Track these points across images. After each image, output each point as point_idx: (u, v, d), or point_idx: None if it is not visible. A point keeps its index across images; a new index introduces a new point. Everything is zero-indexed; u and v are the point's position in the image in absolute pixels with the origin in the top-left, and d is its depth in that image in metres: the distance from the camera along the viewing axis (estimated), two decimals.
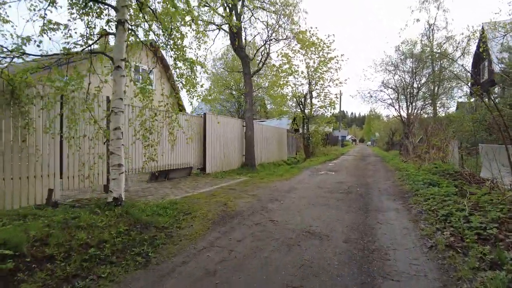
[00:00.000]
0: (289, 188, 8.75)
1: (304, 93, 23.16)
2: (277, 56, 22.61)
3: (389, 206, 6.52)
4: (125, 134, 8.07)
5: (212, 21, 16.01)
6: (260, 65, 16.74)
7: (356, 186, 9.13)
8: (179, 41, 5.20)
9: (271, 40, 16.34)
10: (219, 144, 12.87)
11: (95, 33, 4.95)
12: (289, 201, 6.84)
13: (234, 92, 28.48)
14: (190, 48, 6.49)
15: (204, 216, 5.44)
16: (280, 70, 22.38)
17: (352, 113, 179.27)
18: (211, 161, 12.26)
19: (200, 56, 5.85)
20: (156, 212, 5.39)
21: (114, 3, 5.14)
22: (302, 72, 22.62)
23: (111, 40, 5.66)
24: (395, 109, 29.14)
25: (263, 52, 17.29)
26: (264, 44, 16.47)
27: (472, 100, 20.15)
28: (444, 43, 25.32)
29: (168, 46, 5.24)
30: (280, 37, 16.73)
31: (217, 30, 16.37)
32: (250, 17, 15.95)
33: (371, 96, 29.01)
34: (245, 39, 17.53)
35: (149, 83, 5.55)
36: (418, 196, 7.16)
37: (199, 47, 6.30)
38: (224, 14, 14.88)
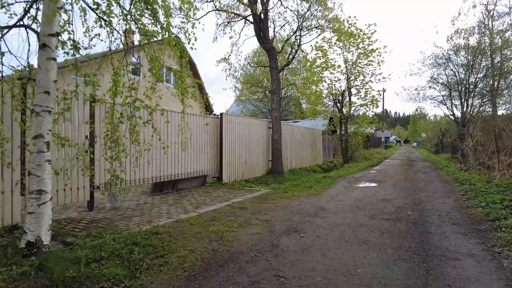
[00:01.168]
0: (316, 208, 6.78)
1: (342, 90, 20.79)
2: (311, 50, 20.36)
3: (459, 247, 4.36)
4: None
5: (236, 12, 14.41)
6: (290, 58, 14.79)
7: (406, 207, 6.93)
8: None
9: (302, 29, 14.35)
10: (239, 149, 11.16)
11: None
12: (313, 234, 4.92)
13: (267, 92, 26.71)
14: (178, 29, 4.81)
15: (181, 262, 3.71)
16: (314, 65, 20.24)
17: (395, 113, 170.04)
18: (228, 169, 10.58)
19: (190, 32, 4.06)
20: (116, 253, 3.78)
21: None
22: (339, 66, 20.28)
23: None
24: (447, 107, 25.70)
25: (293, 44, 15.34)
26: (294, 33, 14.51)
27: None
28: (507, 30, 21.54)
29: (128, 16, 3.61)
30: (313, 25, 14.68)
31: (243, 22, 14.75)
32: (276, 3, 14.14)
33: (418, 93, 25.81)
34: (273, 30, 15.74)
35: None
36: (503, 229, 4.92)
37: (186, 19, 4.60)
38: (246, 1, 13.22)
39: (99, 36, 3.94)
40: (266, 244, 4.40)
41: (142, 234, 4.56)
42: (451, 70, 23.31)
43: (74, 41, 3.58)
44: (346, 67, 20.42)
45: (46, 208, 2.97)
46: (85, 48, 3.67)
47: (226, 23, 14.64)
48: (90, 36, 3.87)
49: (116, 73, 4.25)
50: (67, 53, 3.35)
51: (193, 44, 5.15)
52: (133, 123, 4.12)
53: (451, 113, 23.93)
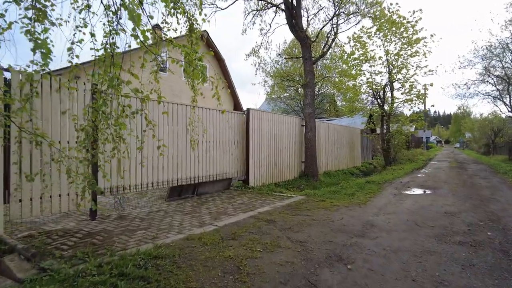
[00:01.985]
0: (363, 224, 5.41)
1: (383, 85, 18.90)
2: (348, 42, 18.66)
3: None
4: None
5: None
6: (326, 49, 13.35)
7: (481, 225, 5.37)
8: None
9: (339, 15, 12.85)
10: (267, 149, 9.95)
11: None
12: (364, 265, 3.59)
13: (299, 89, 25.15)
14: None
15: None
16: (351, 58, 18.53)
17: (435, 111, 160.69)
18: (255, 171, 9.40)
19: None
20: None
21: None
22: (380, 58, 18.42)
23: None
24: (504, 102, 22.90)
25: (329, 34, 13.89)
26: (330, 20, 13.06)
27: None
28: None
29: None
30: (351, 11, 13.13)
31: (273, 11, 13.55)
32: None
33: (469, 88, 23.19)
34: (307, 20, 14.38)
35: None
36: None
37: None
38: None
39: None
40: (300, 282, 3.15)
41: (137, 259, 3.49)
42: (510, 61, 20.61)
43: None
44: (387, 59, 18.51)
45: None
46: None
47: (255, 11, 13.49)
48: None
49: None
50: None
51: (205, 15, 4.01)
52: (117, 112, 3.04)
53: (510, 109, 21.16)
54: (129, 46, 2.92)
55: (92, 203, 3.96)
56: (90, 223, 5.26)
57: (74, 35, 3.13)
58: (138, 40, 2.86)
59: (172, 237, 4.49)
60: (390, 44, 18.28)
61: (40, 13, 2.83)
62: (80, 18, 3.18)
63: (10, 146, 4.36)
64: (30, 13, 2.77)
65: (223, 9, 12.60)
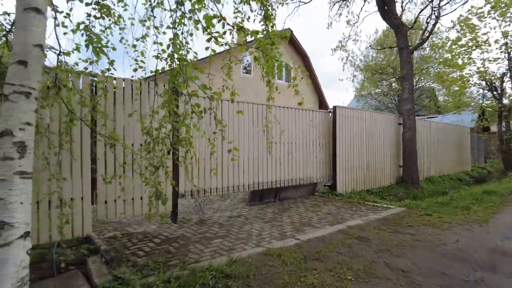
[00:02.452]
0: (489, 251, 4.13)
1: (501, 74, 15.65)
2: (453, 27, 15.98)
3: None
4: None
5: None
6: (426, 36, 11.51)
7: None
8: None
9: None
10: (358, 151, 8.91)
11: None
12: None
13: (393, 83, 22.50)
14: None
15: None
16: (457, 45, 15.79)
17: None
18: (343, 176, 8.46)
19: None
20: None
21: None
22: (497, 42, 15.25)
23: None
24: None
25: (428, 18, 11.96)
26: (431, 2, 11.20)
27: None
28: None
29: None
30: None
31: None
32: None
33: None
34: (401, 5, 12.66)
35: None
36: None
37: None
38: None
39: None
40: None
41: (208, 276, 3.12)
42: None
43: None
44: (506, 42, 15.21)
45: (11, 251, 1.79)
46: None
47: (341, 2, 12.44)
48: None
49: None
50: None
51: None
52: (186, 113, 2.69)
53: None
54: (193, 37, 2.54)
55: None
56: (170, 227, 5.20)
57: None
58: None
59: (250, 250, 4.04)
60: (510, 24, 14.98)
61: (104, 9, 2.65)
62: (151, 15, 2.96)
63: (96, 150, 4.52)
64: (93, 12, 2.61)
65: (306, 3, 11.93)
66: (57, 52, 2.74)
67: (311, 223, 5.41)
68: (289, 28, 16.91)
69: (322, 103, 21.16)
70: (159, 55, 2.64)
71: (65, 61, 2.87)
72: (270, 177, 7.12)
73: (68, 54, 2.76)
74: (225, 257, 3.75)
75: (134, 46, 2.75)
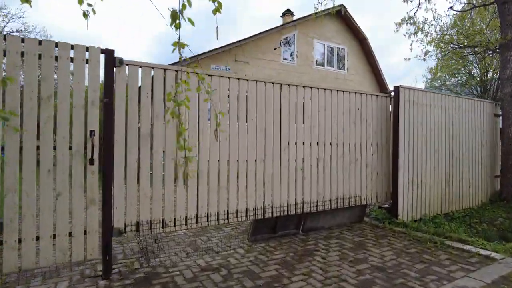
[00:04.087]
0: None
1: None
2: None
3: None
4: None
5: None
6: None
7: None
8: None
9: None
10: (432, 155, 5.87)
11: None
12: None
13: (488, 53, 14.99)
14: None
15: None
16: None
17: None
18: (409, 194, 5.51)
19: None
20: None
21: None
22: None
23: None
24: None
25: None
26: None
27: None
28: None
29: None
30: None
31: None
32: None
33: None
34: None
35: None
36: None
37: None
38: None
39: None
40: None
41: None
42: None
43: None
44: None
45: None
46: None
47: None
48: None
49: None
50: None
51: None
52: None
53: None
54: None
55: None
56: (93, 286, 2.98)
57: None
58: None
59: None
60: None
61: None
62: None
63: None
64: None
65: None
66: None
67: None
68: (342, 5, 13.91)
69: (381, 86, 17.58)
70: None
71: None
72: (287, 197, 4.56)
73: None
74: None
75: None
